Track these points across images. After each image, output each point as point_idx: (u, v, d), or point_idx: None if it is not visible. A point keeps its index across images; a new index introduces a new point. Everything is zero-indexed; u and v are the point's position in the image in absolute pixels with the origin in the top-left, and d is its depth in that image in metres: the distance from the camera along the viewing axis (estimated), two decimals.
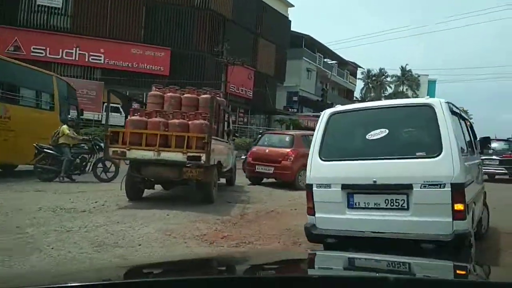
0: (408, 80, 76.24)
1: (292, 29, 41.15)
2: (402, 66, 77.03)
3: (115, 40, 28.69)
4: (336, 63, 50.95)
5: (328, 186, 4.48)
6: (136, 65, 29.28)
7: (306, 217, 4.71)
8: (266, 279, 1.50)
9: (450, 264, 1.86)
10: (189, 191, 8.89)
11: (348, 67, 54.12)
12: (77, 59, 28.21)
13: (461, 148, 4.42)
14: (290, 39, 40.49)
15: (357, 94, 67.83)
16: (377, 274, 1.67)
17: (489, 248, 5.68)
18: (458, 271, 1.78)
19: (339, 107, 5.05)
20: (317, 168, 4.61)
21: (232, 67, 29.48)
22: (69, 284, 1.32)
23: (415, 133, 4.79)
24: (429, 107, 4.29)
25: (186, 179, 7.75)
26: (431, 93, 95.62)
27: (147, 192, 8.75)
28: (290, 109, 41.75)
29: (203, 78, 29.81)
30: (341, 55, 50.57)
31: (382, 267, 1.77)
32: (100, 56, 28.66)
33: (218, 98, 9.09)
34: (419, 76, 79.58)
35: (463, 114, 5.49)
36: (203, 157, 7.28)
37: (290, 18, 41.14)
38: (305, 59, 43.62)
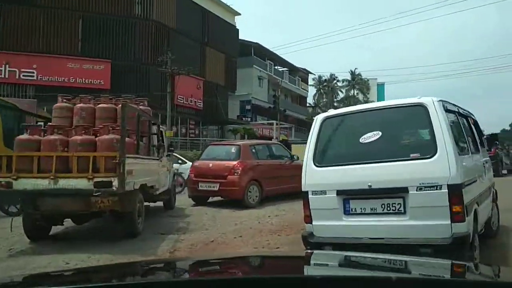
0: (358, 84, 77.62)
1: (240, 37, 40.21)
2: (351, 70, 78.56)
3: (49, 54, 26.64)
4: (287, 70, 50.39)
5: (323, 192, 4.37)
6: (73, 79, 27.21)
7: (251, 246, 4.78)
8: (266, 279, 1.49)
9: (451, 263, 1.82)
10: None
11: (299, 74, 53.68)
12: (7, 76, 25.92)
13: (460, 146, 4.32)
14: (239, 48, 39.60)
15: (310, 100, 67.90)
16: (378, 274, 1.66)
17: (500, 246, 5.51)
18: (459, 270, 1.76)
19: (331, 112, 4.93)
20: (312, 175, 4.50)
21: (178, 77, 27.84)
22: (69, 285, 1.40)
23: (409, 134, 4.67)
24: (422, 106, 4.15)
25: (98, 211, 6.08)
26: (380, 95, 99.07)
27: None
28: (243, 118, 40.73)
29: (148, 90, 28.02)
30: (291, 62, 50.09)
31: (382, 266, 1.79)
32: (33, 72, 26.45)
33: (141, 107, 7.53)
34: (368, 80, 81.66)
35: (463, 111, 5.20)
36: (115, 182, 5.64)
37: (237, 27, 40.16)
38: (256, 67, 42.72)
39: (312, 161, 4.53)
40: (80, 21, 27.85)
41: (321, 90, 78.42)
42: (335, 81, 79.36)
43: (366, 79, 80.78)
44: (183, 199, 10.99)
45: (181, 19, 31.22)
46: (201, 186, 10.23)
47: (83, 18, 27.83)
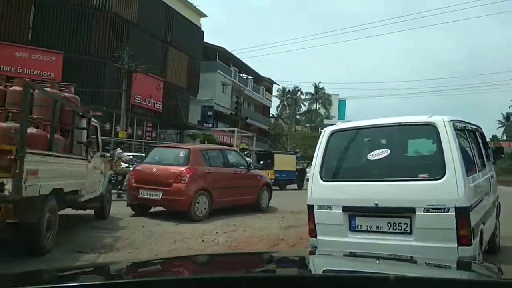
0: (321, 98, 78.23)
1: (206, 40, 38.96)
2: (315, 84, 79.24)
3: None
4: (252, 78, 49.51)
5: (329, 207, 4.36)
6: (21, 70, 24.95)
7: None
8: (266, 279, 1.48)
9: (451, 263, 1.91)
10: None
11: (264, 83, 52.87)
12: None
13: (468, 166, 4.19)
14: (203, 51, 38.28)
15: (273, 111, 67.38)
16: (378, 273, 1.66)
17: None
18: (459, 270, 1.77)
19: (339, 125, 4.84)
20: (318, 189, 4.48)
21: (135, 74, 26.24)
22: (69, 284, 1.35)
23: (418, 154, 4.66)
24: (432, 126, 4.10)
25: None
26: (341, 111, 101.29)
27: None
28: (204, 124, 39.37)
29: (103, 86, 26.32)
30: (257, 71, 49.28)
31: (382, 265, 1.81)
32: None
33: (66, 94, 6.15)
34: (330, 95, 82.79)
35: (470, 127, 5.02)
36: (8, 185, 4.26)
37: (203, 29, 38.90)
38: (220, 72, 41.51)
39: (319, 175, 4.45)
40: (32, 7, 25.74)
41: (285, 102, 78.38)
42: (299, 93, 79.76)
43: (328, 94, 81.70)
44: (122, 208, 9.59)
45: (143, 14, 29.55)
46: (141, 194, 8.87)
47: (36, 4, 25.74)
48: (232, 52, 43.36)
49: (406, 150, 4.62)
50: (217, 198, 9.12)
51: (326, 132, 4.61)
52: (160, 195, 8.60)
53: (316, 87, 78.85)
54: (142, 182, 8.90)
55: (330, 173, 4.53)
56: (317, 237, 4.37)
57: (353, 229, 4.22)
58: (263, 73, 51.35)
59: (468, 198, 3.85)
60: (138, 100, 29.52)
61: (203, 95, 38.28)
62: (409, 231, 3.96)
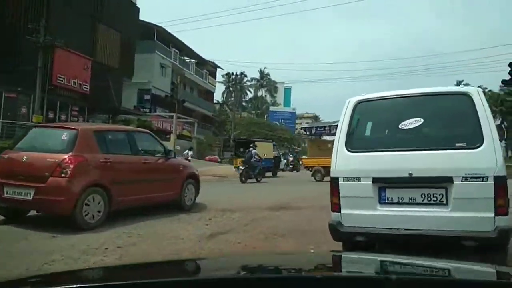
0: (267, 84, 76.75)
1: (144, 19, 35.73)
2: (260, 69, 77.50)
3: None
4: (194, 61, 46.75)
5: (357, 179, 4.18)
6: None
7: None
8: (266, 279, 1.47)
9: (453, 263, 1.83)
10: None
11: (207, 67, 50.13)
12: None
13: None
14: (140, 30, 35.00)
15: (218, 97, 64.88)
16: (379, 274, 1.63)
17: None
18: (460, 271, 1.73)
19: (365, 95, 4.57)
20: (344, 160, 4.30)
21: (57, 51, 22.88)
22: (69, 285, 1.35)
23: (453, 123, 4.48)
24: (467, 95, 4.08)
25: None
26: (286, 98, 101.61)
27: None
28: (142, 109, 36.31)
29: (17, 62, 22.63)
30: (200, 54, 46.56)
31: (383, 266, 1.75)
32: None
33: None
34: (276, 83, 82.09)
35: None
36: None
37: (138, 5, 35.50)
38: (159, 53, 38.45)
39: (344, 146, 4.32)
40: None
41: (230, 88, 75.99)
42: (245, 79, 77.77)
43: (274, 82, 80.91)
44: None
45: None
46: (7, 193, 6.30)
47: None
48: (174, 34, 40.34)
49: (440, 119, 4.48)
50: (118, 196, 6.71)
51: (350, 102, 4.45)
52: (31, 194, 6.08)
53: (261, 72, 77.16)
54: (8, 177, 6.33)
55: (357, 144, 4.36)
56: (342, 211, 4.22)
57: (383, 201, 4.11)
58: (208, 57, 48.70)
59: (504, 167, 3.85)
60: (61, 80, 26.00)
61: (140, 78, 35.09)
62: (444, 202, 3.91)
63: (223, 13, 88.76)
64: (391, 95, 4.58)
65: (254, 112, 72.57)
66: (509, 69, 21.39)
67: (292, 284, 1.39)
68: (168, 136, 32.24)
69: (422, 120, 4.12)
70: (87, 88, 28.49)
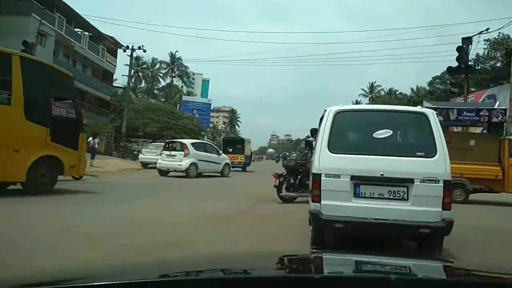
0: (178, 69, 71.24)
1: None
2: (171, 52, 71.73)
3: None
4: (88, 34, 39.91)
5: (337, 176, 5.08)
6: None
7: None
8: (266, 279, 1.48)
9: (450, 264, 1.90)
10: None
11: (106, 43, 43.23)
12: None
13: None
14: None
15: (119, 78, 57.77)
16: (378, 274, 1.66)
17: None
18: (457, 272, 1.80)
19: (342, 106, 5.60)
20: (326, 160, 5.18)
21: None
22: (70, 284, 1.35)
23: (414, 136, 5.76)
24: (424, 115, 5.29)
25: None
26: (204, 90, 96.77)
27: None
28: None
29: None
30: (96, 27, 39.75)
31: (382, 267, 1.80)
32: None
33: None
34: (194, 74, 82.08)
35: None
36: None
37: None
38: (36, 16, 31.23)
39: (326, 148, 5.22)
40: None
41: (139, 73, 69.10)
42: (157, 66, 71.41)
43: (192, 73, 79.30)
44: None
45: None
46: None
47: None
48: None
49: (404, 132, 5.67)
50: None
51: (331, 112, 5.42)
52: None
53: (172, 56, 71.14)
54: None
55: (338, 147, 5.23)
56: (321, 202, 5.08)
57: (357, 195, 5.07)
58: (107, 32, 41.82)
59: (451, 174, 5.06)
60: None
61: (8, 46, 27.93)
62: (406, 198, 5.00)
63: None
64: (365, 108, 6.71)
65: (163, 100, 66.36)
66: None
67: (290, 284, 1.41)
68: None
69: (391, 132, 5.27)
70: None
